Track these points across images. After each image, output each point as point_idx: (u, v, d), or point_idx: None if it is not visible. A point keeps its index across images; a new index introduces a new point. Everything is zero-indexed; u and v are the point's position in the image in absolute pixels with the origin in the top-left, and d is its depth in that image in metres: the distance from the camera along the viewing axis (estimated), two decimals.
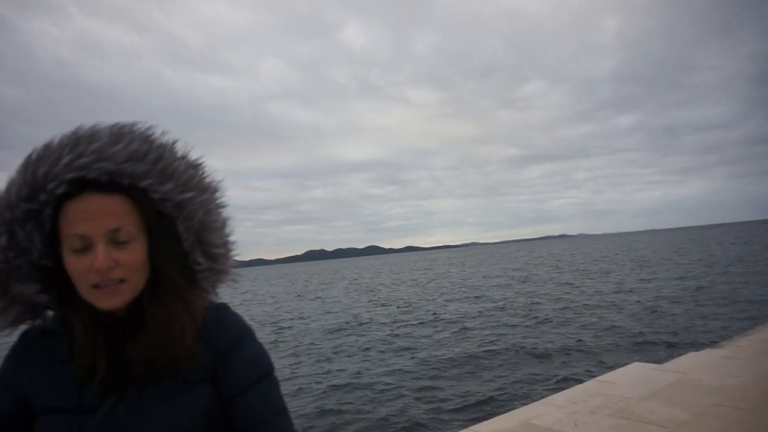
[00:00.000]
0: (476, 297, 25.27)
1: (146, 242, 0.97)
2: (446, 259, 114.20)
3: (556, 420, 4.81)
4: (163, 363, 0.96)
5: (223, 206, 1.09)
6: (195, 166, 1.04)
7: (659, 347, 11.20)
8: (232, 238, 1.12)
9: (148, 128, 0.99)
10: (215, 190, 1.07)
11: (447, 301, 24.92)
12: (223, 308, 1.11)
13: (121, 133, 0.95)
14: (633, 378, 6.18)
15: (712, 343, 8.77)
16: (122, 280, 0.92)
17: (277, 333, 18.73)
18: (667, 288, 22.22)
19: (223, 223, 1.09)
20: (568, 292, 23.84)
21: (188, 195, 1.00)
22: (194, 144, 1.06)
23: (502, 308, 19.81)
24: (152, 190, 0.96)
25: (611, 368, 7.37)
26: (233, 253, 1.12)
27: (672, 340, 11.86)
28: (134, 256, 0.93)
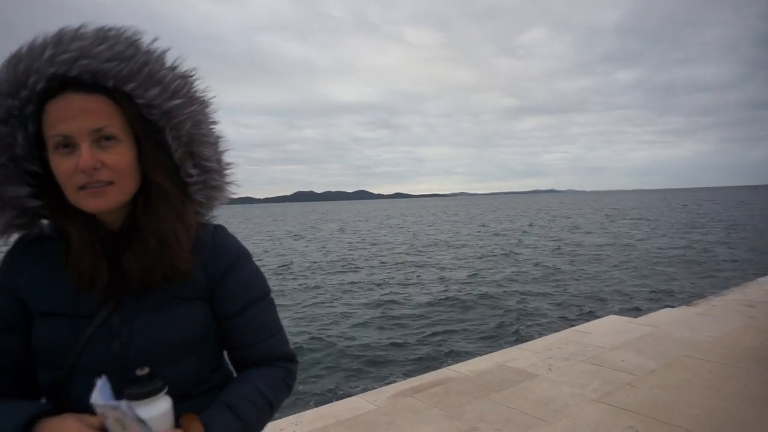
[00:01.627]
0: (466, 245, 25.65)
1: (133, 147, 0.95)
2: (442, 208, 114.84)
3: (531, 364, 5.02)
4: (160, 272, 0.96)
5: (215, 122, 1.07)
6: (185, 77, 1.01)
7: (638, 302, 11.57)
8: (226, 157, 1.11)
9: (136, 33, 0.96)
10: (207, 104, 1.05)
11: (446, 248, 25.29)
12: (221, 230, 1.11)
13: (107, 35, 0.92)
14: (608, 329, 6.41)
15: (689, 300, 9.05)
16: (109, 183, 0.91)
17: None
18: (661, 246, 22.70)
19: (216, 139, 1.08)
20: (558, 248, 24.26)
21: (176, 102, 0.98)
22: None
23: (492, 256, 20.20)
24: (137, 95, 0.94)
25: (589, 319, 7.63)
26: (228, 171, 1.12)
27: (652, 296, 12.24)
28: (121, 158, 0.92)
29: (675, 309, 7.71)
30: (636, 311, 9.80)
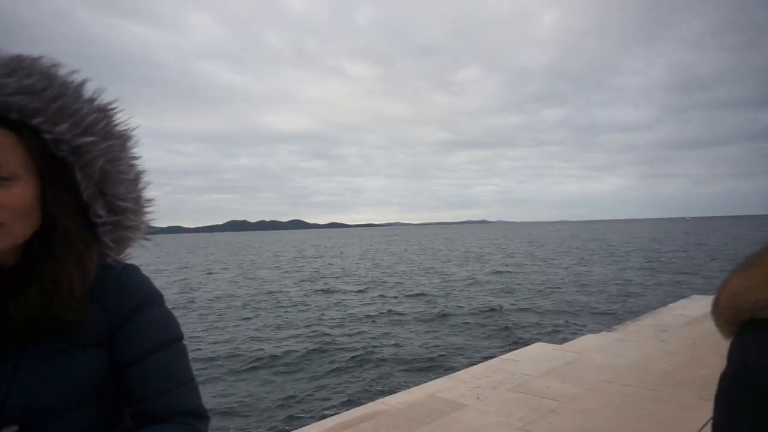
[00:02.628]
0: (398, 276, 25.78)
1: (35, 186, 0.88)
2: (394, 238, 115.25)
3: (460, 394, 5.05)
4: (47, 323, 0.87)
5: (135, 158, 1.00)
6: (103, 111, 0.95)
7: (563, 329, 12.00)
8: (146, 194, 1.04)
9: (54, 64, 0.90)
10: (126, 138, 0.98)
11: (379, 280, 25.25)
12: (130, 270, 1.02)
13: (19, 65, 0.87)
14: (535, 356, 6.59)
15: (608, 327, 9.49)
16: (0, 224, 0.83)
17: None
18: (585, 274, 23.77)
19: (136, 176, 1.00)
20: (470, 278, 24.86)
21: (88, 139, 0.91)
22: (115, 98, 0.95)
23: (421, 292, 20.38)
24: (44, 129, 0.88)
25: (517, 347, 7.81)
26: (147, 210, 1.04)
27: (576, 323, 12.75)
28: (16, 197, 0.84)
29: (596, 335, 8.06)
30: (562, 338, 10.15)
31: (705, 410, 4.11)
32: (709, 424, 3.83)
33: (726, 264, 27.81)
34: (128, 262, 1.04)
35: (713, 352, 5.87)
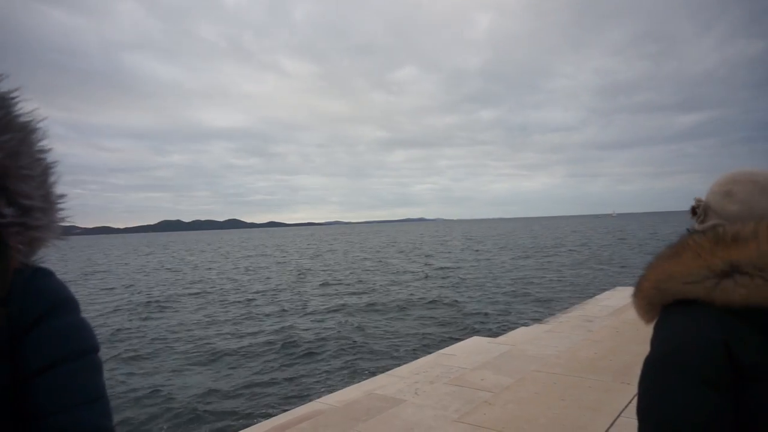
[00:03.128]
0: (336, 278, 25.70)
1: None
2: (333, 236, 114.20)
3: (399, 390, 5.12)
4: None
5: (41, 151, 0.90)
6: (1, 100, 0.85)
7: (497, 323, 12.40)
8: (57, 191, 0.94)
9: None
10: (30, 131, 0.88)
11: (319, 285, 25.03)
12: (41, 274, 0.92)
13: None
14: (470, 350, 6.78)
15: (539, 319, 9.90)
16: None
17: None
18: (519, 270, 24.60)
19: (44, 171, 0.91)
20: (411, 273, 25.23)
21: None
22: (30, 88, 0.86)
23: (365, 288, 20.44)
24: None
25: (454, 342, 7.99)
26: (58, 208, 0.95)
27: (510, 316, 13.20)
28: None
29: (528, 327, 8.39)
30: (496, 331, 10.48)
31: (626, 393, 4.38)
32: (631, 406, 4.09)
33: (647, 256, 29.71)
34: (42, 265, 0.94)
35: (634, 339, 6.26)
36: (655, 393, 0.99)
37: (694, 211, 1.22)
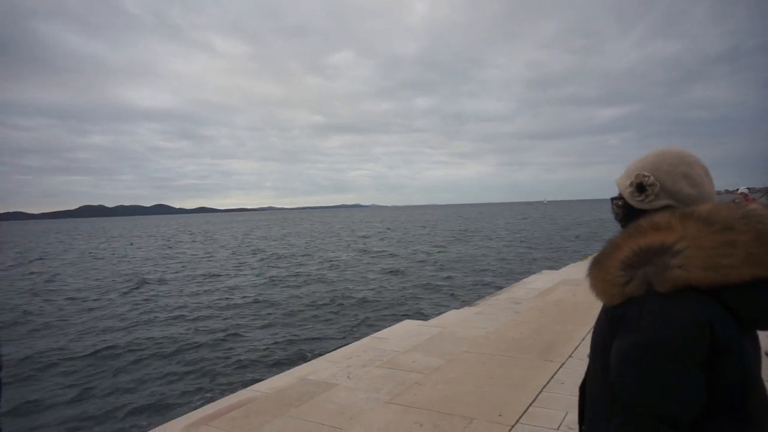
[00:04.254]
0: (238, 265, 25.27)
1: None
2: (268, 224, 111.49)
3: (332, 374, 5.11)
4: None
5: None
6: None
7: (429, 306, 12.65)
8: None
9: None
10: None
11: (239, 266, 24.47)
12: None
13: None
14: (403, 333, 6.87)
15: (470, 302, 10.18)
16: None
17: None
18: (452, 254, 25.15)
19: None
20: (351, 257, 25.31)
21: None
22: None
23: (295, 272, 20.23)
24: None
25: (387, 325, 8.06)
26: None
27: (441, 300, 13.49)
28: None
29: (459, 310, 8.61)
30: (428, 314, 10.69)
31: (549, 370, 4.60)
32: (553, 382, 4.30)
33: (573, 241, 31.25)
34: None
35: (557, 319, 6.58)
36: (653, 379, 0.99)
37: (641, 187, 1.18)
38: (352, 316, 11.97)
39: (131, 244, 48.89)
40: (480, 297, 11.05)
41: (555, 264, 17.52)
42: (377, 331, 7.54)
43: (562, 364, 4.78)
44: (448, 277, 17.79)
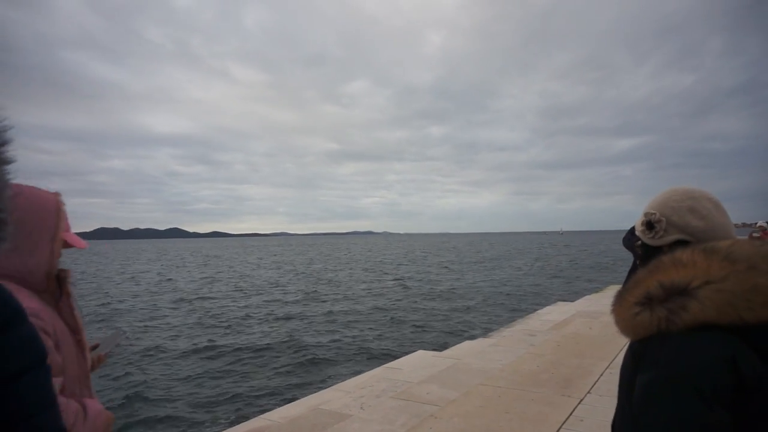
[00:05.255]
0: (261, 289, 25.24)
1: None
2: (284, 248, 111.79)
3: (345, 404, 5.04)
4: None
5: (7, 162, 0.86)
6: None
7: (443, 336, 12.49)
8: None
9: None
10: None
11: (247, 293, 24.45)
12: None
13: None
14: (416, 364, 6.79)
15: (484, 333, 10.06)
16: None
17: None
18: (465, 283, 24.95)
19: (4, 183, 0.87)
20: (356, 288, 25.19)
21: None
22: None
23: (305, 297, 20.16)
24: None
25: (400, 355, 7.98)
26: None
27: (455, 330, 13.33)
28: None
29: (474, 341, 8.51)
30: (442, 344, 10.55)
31: (568, 406, 4.50)
32: (572, 418, 4.20)
33: (587, 273, 30.86)
34: None
35: (574, 353, 6.46)
36: (672, 416, 0.98)
37: (651, 225, 1.22)
38: (365, 346, 11.85)
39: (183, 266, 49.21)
40: (494, 328, 10.91)
41: (570, 296, 17.28)
42: (390, 360, 7.46)
43: (581, 400, 4.68)
44: (462, 307, 17.61)
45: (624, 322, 1.15)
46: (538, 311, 11.50)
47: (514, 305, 17.80)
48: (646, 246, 1.26)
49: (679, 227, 1.19)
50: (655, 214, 1.22)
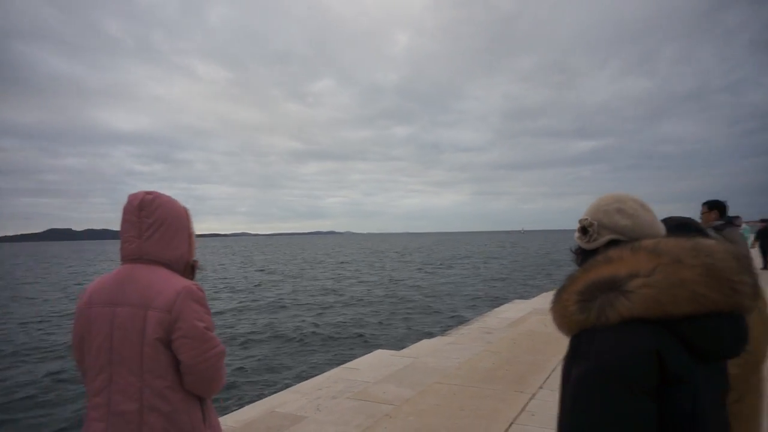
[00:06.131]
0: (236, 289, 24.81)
1: None
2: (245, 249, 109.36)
3: (300, 406, 4.98)
4: None
5: None
6: None
7: (403, 335, 12.53)
8: None
9: None
10: None
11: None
12: None
13: None
14: (374, 363, 6.77)
15: (443, 331, 10.14)
16: None
17: None
18: (426, 281, 25.08)
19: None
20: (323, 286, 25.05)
21: None
22: None
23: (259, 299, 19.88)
24: None
25: (359, 355, 7.94)
26: None
27: (415, 328, 13.40)
28: None
29: (432, 339, 8.56)
30: (401, 344, 10.58)
31: (520, 401, 4.58)
32: (524, 413, 4.28)
33: (545, 270, 31.59)
34: None
35: (529, 350, 6.59)
36: (600, 406, 1.01)
37: (585, 229, 1.29)
38: (323, 346, 11.77)
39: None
40: (453, 327, 11.01)
41: (527, 293, 17.64)
42: (349, 361, 7.42)
43: (533, 395, 4.77)
44: (422, 306, 17.71)
45: (560, 319, 1.20)
46: (496, 309, 11.67)
47: (473, 303, 18.04)
48: (584, 250, 1.32)
49: (609, 228, 1.25)
50: (587, 219, 1.29)
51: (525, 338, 7.32)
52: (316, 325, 14.23)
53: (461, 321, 12.31)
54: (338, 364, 7.26)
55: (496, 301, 16.32)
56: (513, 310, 11.01)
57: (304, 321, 15.09)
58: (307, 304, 19.02)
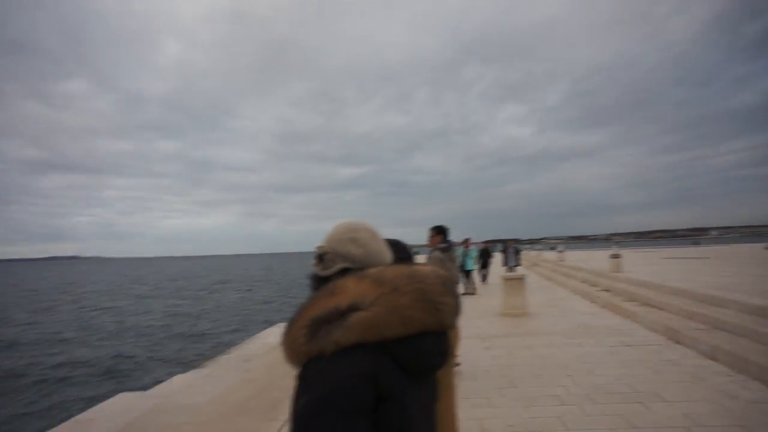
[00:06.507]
0: None
1: None
2: None
3: None
4: None
5: None
6: None
7: (152, 372, 11.42)
8: None
9: None
10: None
11: None
12: None
13: None
14: (113, 410, 5.94)
15: (199, 363, 9.53)
16: None
17: None
18: (180, 311, 23.25)
19: None
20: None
21: None
22: None
23: None
24: None
25: (96, 401, 6.93)
26: None
27: (167, 362, 12.33)
28: None
29: (186, 374, 7.95)
30: (150, 383, 9.61)
31: (272, 429, 4.53)
32: None
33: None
34: None
35: (287, 375, 6.60)
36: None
37: (320, 257, 1.33)
38: (50, 394, 10.01)
39: None
40: (211, 357, 10.46)
41: (290, 315, 17.82)
42: (82, 411, 6.40)
43: (286, 422, 4.77)
44: (177, 336, 16.51)
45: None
46: (258, 334, 11.49)
47: (236, 328, 17.55)
48: (318, 277, 1.36)
49: (342, 256, 1.32)
50: (323, 247, 1.34)
51: (283, 363, 7.30)
52: (48, 368, 12.04)
53: (221, 350, 11.78)
54: (69, 417, 6.20)
55: (262, 326, 16.13)
56: (275, 333, 10.96)
57: (31, 362, 12.63)
58: (35, 340, 16.02)
